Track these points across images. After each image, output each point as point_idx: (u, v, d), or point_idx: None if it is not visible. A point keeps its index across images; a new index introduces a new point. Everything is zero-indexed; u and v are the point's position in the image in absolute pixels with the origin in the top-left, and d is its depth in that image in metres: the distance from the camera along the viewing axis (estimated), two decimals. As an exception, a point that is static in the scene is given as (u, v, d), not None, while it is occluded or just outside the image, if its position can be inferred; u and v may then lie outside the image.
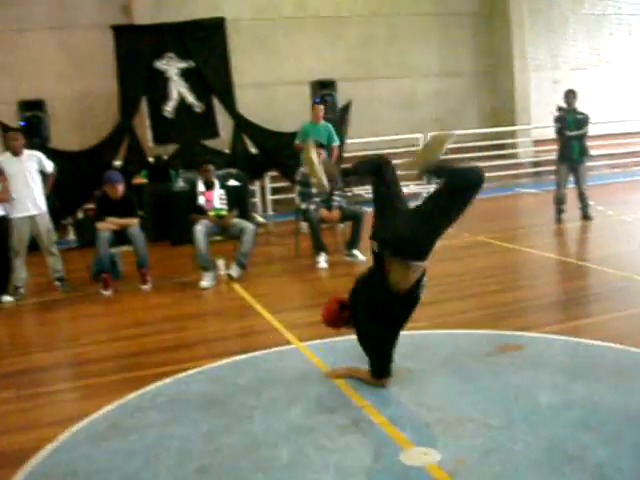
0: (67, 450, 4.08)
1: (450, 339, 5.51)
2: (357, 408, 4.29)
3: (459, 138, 15.81)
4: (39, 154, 8.58)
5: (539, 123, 16.07)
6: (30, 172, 8.30)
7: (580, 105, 10.65)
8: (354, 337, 5.41)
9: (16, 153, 8.27)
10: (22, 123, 11.50)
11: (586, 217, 10.55)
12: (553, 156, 11.31)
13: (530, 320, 5.95)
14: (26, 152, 8.39)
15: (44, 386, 5.52)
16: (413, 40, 16.18)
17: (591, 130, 10.74)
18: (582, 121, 10.50)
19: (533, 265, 8.34)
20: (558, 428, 3.83)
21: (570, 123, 10.46)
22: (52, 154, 9.58)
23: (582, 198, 10.59)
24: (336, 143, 11.05)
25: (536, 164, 16.43)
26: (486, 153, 15.88)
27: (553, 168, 11.20)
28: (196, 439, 4.03)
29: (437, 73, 16.49)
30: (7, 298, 8.12)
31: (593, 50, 17.69)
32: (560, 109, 10.65)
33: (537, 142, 16.25)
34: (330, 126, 11.50)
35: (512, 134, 16.71)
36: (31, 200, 8.27)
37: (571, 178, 10.69)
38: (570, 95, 10.56)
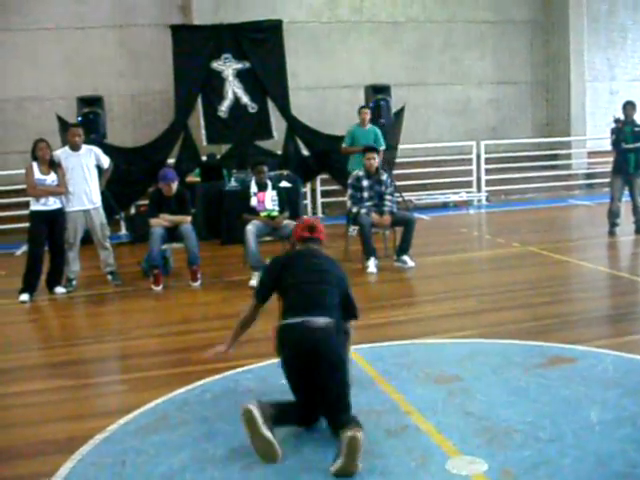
0: (116, 441, 4.15)
1: (500, 349, 5.46)
2: (404, 413, 4.28)
3: (513, 147, 15.86)
4: (97, 149, 8.73)
5: (594, 134, 15.86)
6: (87, 167, 8.45)
7: (638, 117, 10.48)
8: (401, 342, 5.43)
9: (75, 148, 8.43)
10: (79, 119, 11.69)
11: (640, 231, 10.37)
12: (608, 168, 11.13)
13: (580, 334, 5.86)
14: (84, 147, 8.54)
15: (94, 377, 5.63)
16: (469, 47, 16.07)
17: (649, 143, 10.56)
18: (640, 134, 10.32)
19: (584, 278, 8.23)
20: (608, 444, 3.78)
21: (628, 135, 10.27)
22: (108, 150, 9.74)
23: (637, 212, 10.40)
24: (382, 147, 11.01)
25: (590, 176, 16.20)
26: (539, 163, 15.75)
27: (607, 180, 11.04)
28: (243, 437, 4.03)
29: (492, 81, 16.36)
30: (60, 289, 8.29)
31: (653, 61, 17.38)
32: (617, 121, 10.48)
33: (592, 153, 16.01)
34: (377, 129, 11.50)
35: (567, 145, 16.48)
36: (87, 194, 8.42)
37: (626, 191, 10.51)
38: (629, 107, 10.38)
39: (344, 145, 11.32)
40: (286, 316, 4.21)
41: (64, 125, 11.18)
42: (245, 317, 4.53)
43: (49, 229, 8.12)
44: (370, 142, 10.86)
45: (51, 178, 8.08)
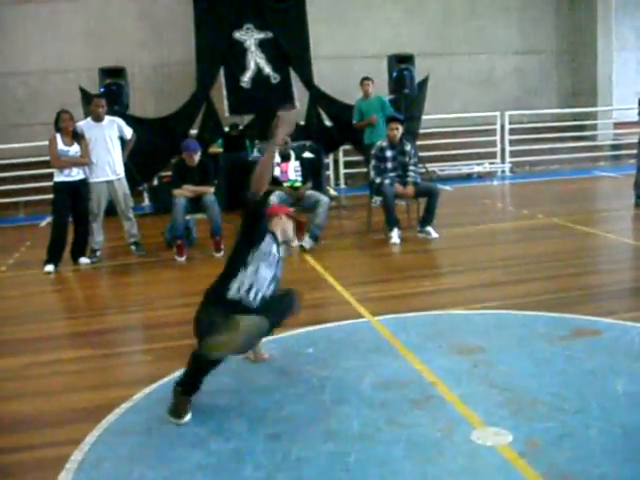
0: (142, 409, 4.18)
1: (525, 320, 5.42)
2: (429, 384, 4.27)
3: (537, 118, 15.72)
4: (120, 120, 8.74)
5: (621, 105, 15.64)
6: (110, 138, 8.47)
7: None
8: (425, 313, 5.41)
9: (98, 119, 8.44)
10: (102, 90, 11.69)
11: (666, 203, 10.23)
12: (634, 139, 10.97)
13: (606, 306, 5.80)
14: (107, 118, 8.55)
15: (119, 347, 5.66)
16: (493, 16, 15.88)
17: (677, 113, 10.40)
18: (668, 104, 10.16)
19: (610, 250, 8.14)
20: (634, 416, 3.74)
21: (655, 106, 10.13)
22: (131, 121, 9.74)
23: (663, 183, 10.27)
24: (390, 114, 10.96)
25: (616, 147, 16.01)
26: (565, 134, 15.57)
27: (634, 152, 10.89)
28: (268, 406, 4.07)
29: (517, 51, 16.17)
30: (84, 260, 8.35)
31: (682, 30, 17.05)
32: (645, 91, 10.32)
33: (618, 124, 15.80)
34: (383, 98, 11.49)
35: (593, 115, 16.28)
36: (110, 165, 8.45)
37: (653, 162, 10.37)
38: (657, 76, 10.23)
39: (354, 122, 11.36)
40: None
41: (87, 96, 11.20)
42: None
43: (73, 200, 8.16)
44: (377, 112, 10.91)
45: (74, 149, 8.10)
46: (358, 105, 11.43)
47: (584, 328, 5.17)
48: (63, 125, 8.05)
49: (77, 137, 8.16)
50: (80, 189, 8.21)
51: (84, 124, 8.49)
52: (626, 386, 4.11)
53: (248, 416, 3.97)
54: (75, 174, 8.14)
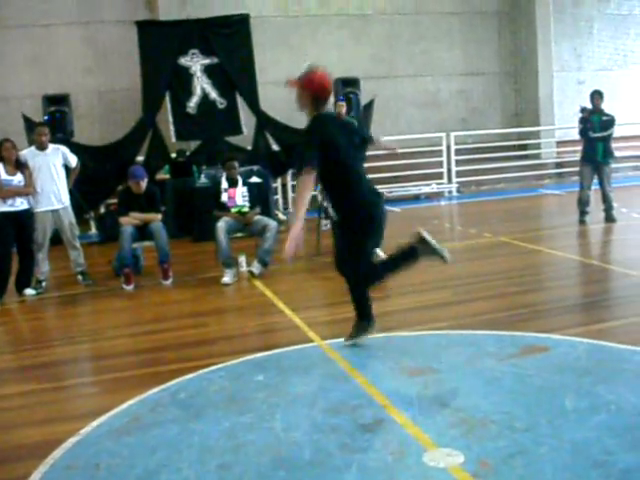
0: (89, 444, 4.08)
1: (474, 339, 5.46)
2: (379, 407, 4.26)
3: (482, 138, 15.95)
4: (64, 148, 8.63)
5: (563, 124, 15.98)
6: (55, 166, 8.35)
7: (606, 106, 10.55)
8: (375, 335, 5.41)
9: (42, 147, 8.32)
10: (45, 118, 11.56)
11: (610, 219, 10.42)
12: (577, 157, 11.22)
13: (553, 322, 5.88)
14: (51, 146, 8.44)
15: (66, 380, 5.55)
16: (437, 39, 16.13)
17: (616, 132, 10.64)
18: (608, 123, 10.38)
19: (556, 267, 8.26)
20: (583, 432, 3.78)
21: (596, 124, 10.34)
22: (76, 149, 9.63)
23: (606, 200, 10.47)
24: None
25: (559, 165, 16.33)
26: (509, 153, 15.83)
27: (577, 169, 11.11)
28: (218, 436, 4.02)
29: (461, 72, 16.44)
30: (30, 291, 8.18)
31: (619, 51, 17.51)
32: (584, 110, 10.54)
33: (560, 143, 16.15)
34: (354, 120, 11.49)
35: (536, 134, 16.60)
36: (55, 194, 8.32)
37: (595, 180, 10.59)
38: (596, 96, 10.45)
39: None
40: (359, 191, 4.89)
41: (30, 124, 11.06)
42: (306, 187, 4.66)
43: (17, 230, 8.00)
44: None
45: (18, 178, 7.97)
46: None
47: (533, 345, 5.22)
48: (5, 154, 7.91)
49: (21, 166, 8.03)
50: (24, 219, 8.06)
51: (28, 152, 8.35)
52: (575, 402, 4.16)
53: (198, 446, 3.90)
54: (19, 204, 7.99)
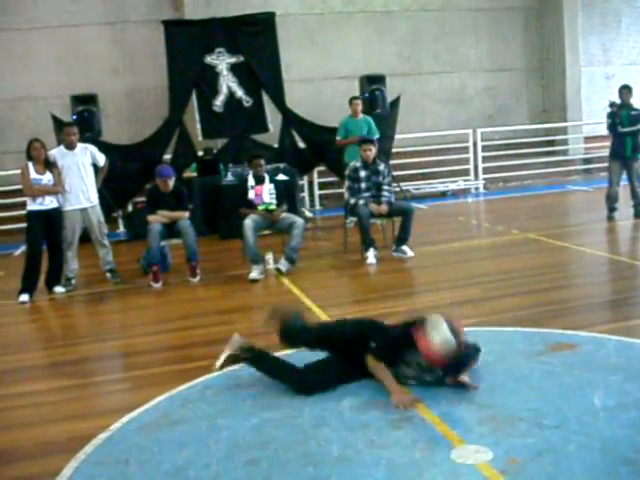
0: (119, 439, 4.13)
1: (503, 337, 5.44)
2: (408, 404, 4.26)
3: (509, 134, 15.88)
4: (92, 147, 8.71)
5: (591, 119, 15.83)
6: (83, 165, 8.42)
7: (635, 101, 10.44)
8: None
9: (71, 147, 8.40)
10: (74, 117, 11.66)
11: (639, 215, 10.33)
12: (605, 153, 11.11)
13: (582, 319, 5.85)
14: (80, 145, 8.51)
15: (96, 376, 5.61)
16: (463, 35, 16.04)
17: (645, 126, 10.52)
18: (637, 117, 10.26)
19: (584, 263, 8.20)
20: (612, 429, 3.76)
21: (624, 119, 10.23)
22: (104, 148, 9.71)
23: (635, 196, 10.37)
24: (376, 136, 10.92)
25: (587, 161, 16.19)
26: (536, 150, 15.72)
27: (605, 165, 11.01)
28: (246, 432, 4.04)
29: (487, 68, 16.34)
30: (59, 289, 8.27)
31: (647, 45, 17.33)
32: (612, 105, 10.44)
33: (588, 138, 15.99)
34: (370, 119, 11.48)
35: (563, 130, 16.46)
36: (84, 193, 8.40)
37: (624, 175, 10.48)
38: (625, 91, 10.33)
39: (338, 138, 11.31)
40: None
41: (59, 124, 11.14)
42: (379, 368, 4.53)
43: (47, 228, 8.09)
44: (363, 133, 10.87)
45: (47, 177, 8.05)
46: (345, 122, 11.36)
47: (561, 342, 5.19)
48: (34, 154, 8.00)
49: (50, 165, 8.12)
50: (54, 217, 8.15)
51: (57, 152, 8.44)
52: (603, 400, 4.13)
53: (226, 442, 3.93)
54: (48, 202, 8.08)
